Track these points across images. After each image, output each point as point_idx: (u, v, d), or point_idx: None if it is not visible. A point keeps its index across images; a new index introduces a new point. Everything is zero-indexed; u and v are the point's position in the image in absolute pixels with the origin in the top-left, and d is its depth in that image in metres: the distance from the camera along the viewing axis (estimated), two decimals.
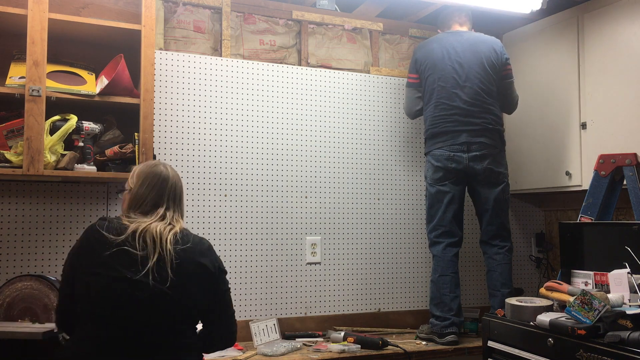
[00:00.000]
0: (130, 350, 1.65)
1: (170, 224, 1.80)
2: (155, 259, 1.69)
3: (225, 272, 1.89)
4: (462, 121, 2.73)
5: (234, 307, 1.97)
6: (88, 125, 2.39)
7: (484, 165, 2.73)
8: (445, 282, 2.69)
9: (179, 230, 1.80)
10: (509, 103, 2.95)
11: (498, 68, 2.82)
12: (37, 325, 2.03)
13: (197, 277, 1.77)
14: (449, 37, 2.86)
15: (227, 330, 1.91)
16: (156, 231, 1.73)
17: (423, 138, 2.93)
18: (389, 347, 2.58)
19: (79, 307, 1.69)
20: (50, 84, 2.29)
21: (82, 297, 1.69)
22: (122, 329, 1.65)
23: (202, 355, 1.84)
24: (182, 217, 1.89)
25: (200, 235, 2.68)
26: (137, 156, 2.39)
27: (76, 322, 1.70)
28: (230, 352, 2.45)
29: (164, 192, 1.85)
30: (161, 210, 1.82)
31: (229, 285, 1.91)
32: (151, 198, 1.83)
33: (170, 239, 1.74)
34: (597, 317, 1.85)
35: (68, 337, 1.98)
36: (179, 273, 1.72)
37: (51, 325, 1.99)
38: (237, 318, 2.72)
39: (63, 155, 2.30)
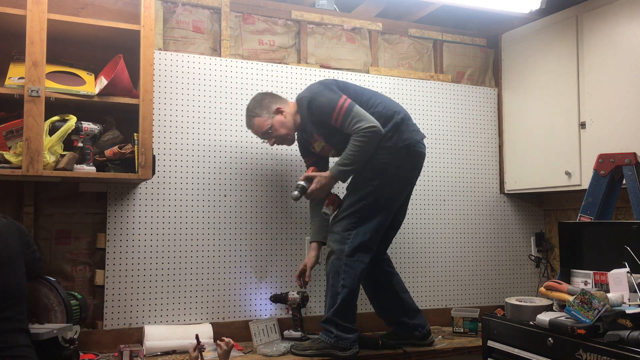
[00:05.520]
0: None
1: None
2: None
3: (29, 247, 1.96)
4: None
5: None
6: (87, 125, 2.39)
7: None
8: (357, 293, 2.44)
9: None
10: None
11: None
12: (36, 325, 2.03)
13: None
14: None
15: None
16: None
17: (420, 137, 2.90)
18: (389, 347, 2.58)
19: None
20: (50, 84, 2.29)
21: None
22: None
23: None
24: None
25: (200, 234, 2.72)
26: (136, 156, 2.39)
27: None
28: (230, 352, 2.45)
29: None
30: None
31: (34, 249, 2.01)
32: None
33: None
34: (597, 317, 1.85)
35: (68, 338, 1.98)
36: None
37: (51, 326, 2.00)
38: (238, 318, 2.75)
39: (62, 156, 2.30)
